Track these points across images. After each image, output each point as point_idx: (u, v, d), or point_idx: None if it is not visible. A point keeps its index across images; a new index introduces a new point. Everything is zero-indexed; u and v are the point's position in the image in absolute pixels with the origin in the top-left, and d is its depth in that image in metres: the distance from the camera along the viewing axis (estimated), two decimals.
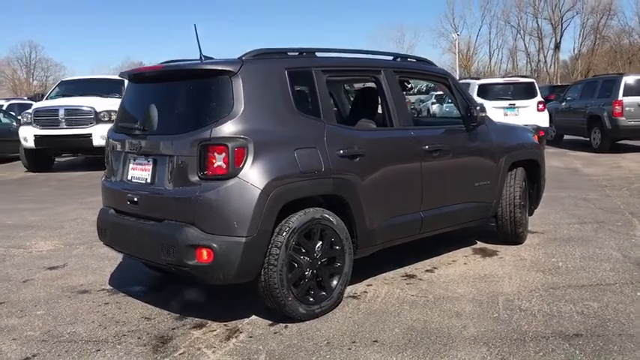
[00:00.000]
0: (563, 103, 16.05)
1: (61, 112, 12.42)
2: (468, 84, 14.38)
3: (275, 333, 3.75)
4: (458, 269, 5.00)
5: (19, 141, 12.84)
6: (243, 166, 3.59)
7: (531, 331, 3.65)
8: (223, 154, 3.58)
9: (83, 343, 3.66)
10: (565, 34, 65.22)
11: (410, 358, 3.34)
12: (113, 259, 5.43)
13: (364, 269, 4.82)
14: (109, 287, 4.77)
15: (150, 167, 3.93)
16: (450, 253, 5.48)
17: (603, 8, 59.40)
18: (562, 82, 47.08)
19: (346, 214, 4.12)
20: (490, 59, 68.91)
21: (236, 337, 3.72)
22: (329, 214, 3.98)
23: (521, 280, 4.64)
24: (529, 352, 3.36)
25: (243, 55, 3.93)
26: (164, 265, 3.90)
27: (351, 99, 6.15)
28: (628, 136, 13.94)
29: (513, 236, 5.59)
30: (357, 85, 6.43)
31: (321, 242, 3.95)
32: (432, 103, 23.78)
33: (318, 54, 4.29)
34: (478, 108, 5.00)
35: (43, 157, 13.21)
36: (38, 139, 12.41)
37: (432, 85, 21.37)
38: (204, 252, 3.58)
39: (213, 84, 3.76)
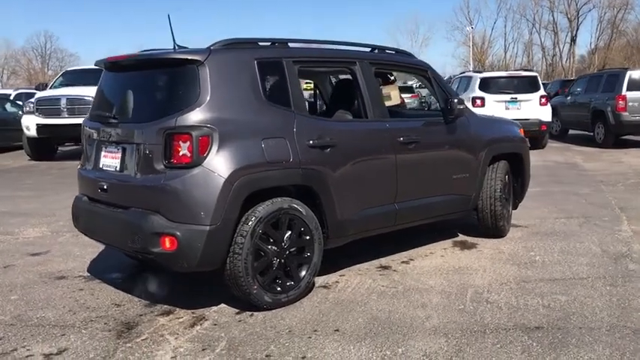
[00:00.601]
0: (569, 98, 15.91)
1: (63, 102, 12.54)
2: (470, 77, 14.29)
3: (239, 321, 3.79)
4: (434, 261, 5.00)
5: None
6: (207, 155, 3.62)
7: (493, 323, 3.65)
8: (188, 143, 3.60)
9: (50, 328, 3.72)
10: (581, 27, 64.75)
11: (368, 348, 3.35)
12: (96, 246, 5.47)
13: (340, 259, 4.85)
14: (86, 274, 4.83)
15: (119, 155, 3.98)
16: (430, 245, 5.49)
17: (620, 2, 58.79)
18: (577, 76, 46.68)
19: (317, 205, 4.14)
20: (505, 53, 68.46)
21: (201, 324, 3.75)
22: (298, 204, 4.00)
23: (495, 273, 4.64)
24: (486, 344, 3.37)
25: (212, 45, 3.95)
26: (132, 253, 3.94)
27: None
28: (631, 131, 13.80)
29: (494, 229, 5.57)
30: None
31: (289, 232, 3.97)
32: None
33: (291, 44, 4.30)
34: (456, 100, 4.98)
35: (46, 146, 13.38)
36: (40, 127, 12.56)
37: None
38: (168, 240, 3.62)
39: (181, 73, 3.79)
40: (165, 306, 4.07)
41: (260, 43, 4.18)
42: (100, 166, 4.17)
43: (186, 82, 3.76)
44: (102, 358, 3.29)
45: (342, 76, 5.73)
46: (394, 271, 4.76)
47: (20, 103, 17.43)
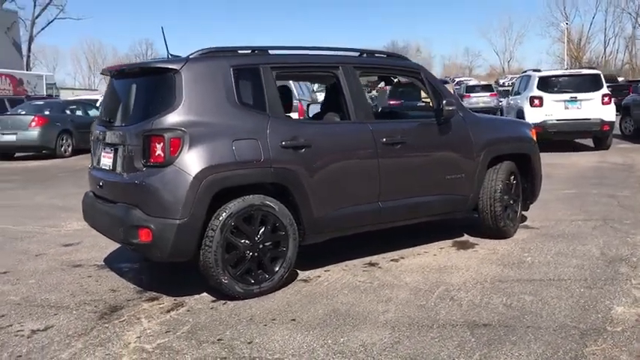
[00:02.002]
0: None
1: None
2: (529, 76, 13.91)
3: (211, 308, 4.11)
4: (423, 260, 5.11)
5: None
6: (178, 155, 3.97)
7: (444, 319, 3.76)
8: (162, 144, 3.97)
9: (48, 308, 4.20)
10: None
11: (313, 337, 3.57)
12: None
13: (330, 255, 5.10)
14: (101, 263, 5.33)
15: (112, 155, 4.41)
16: (430, 244, 5.57)
17: None
18: None
19: (292, 202, 4.39)
20: (605, 49, 65.14)
21: (177, 310, 4.11)
22: (271, 200, 4.27)
23: (475, 273, 4.69)
24: (426, 338, 3.49)
25: (192, 54, 4.30)
26: (121, 243, 4.36)
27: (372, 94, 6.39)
28: None
29: (495, 230, 5.58)
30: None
31: (263, 227, 4.25)
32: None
33: (271, 52, 4.58)
34: (445, 102, 5.06)
35: None
36: None
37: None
38: (145, 232, 4.00)
39: (162, 80, 4.17)
40: (155, 293, 4.46)
41: (240, 51, 4.49)
42: (100, 165, 4.63)
43: (165, 88, 4.13)
44: (78, 335, 3.71)
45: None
46: (379, 268, 4.92)
47: None
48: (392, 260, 5.12)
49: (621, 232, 5.81)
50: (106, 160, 4.51)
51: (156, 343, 3.56)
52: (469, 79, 46.49)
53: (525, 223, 6.28)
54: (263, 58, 4.48)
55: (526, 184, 5.97)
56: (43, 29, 56.93)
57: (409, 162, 4.98)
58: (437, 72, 79.12)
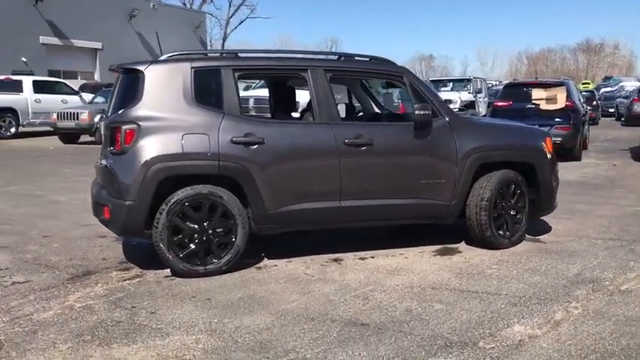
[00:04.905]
0: None
1: (251, 102, 14.50)
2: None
3: (157, 282, 4.66)
4: (389, 261, 5.17)
5: None
6: (132, 144, 4.57)
7: (333, 315, 3.92)
8: (120, 134, 4.60)
9: (42, 267, 5.07)
10: None
11: (207, 314, 3.96)
12: None
13: (306, 247, 5.42)
14: (121, 237, 6.14)
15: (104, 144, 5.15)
16: (415, 247, 5.56)
17: None
18: None
19: (243, 194, 4.77)
20: None
21: (132, 280, 4.73)
22: (220, 190, 4.70)
23: (421, 278, 4.68)
24: (296, 328, 3.71)
25: (163, 57, 4.88)
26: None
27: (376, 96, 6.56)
28: None
29: (481, 239, 5.42)
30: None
31: (211, 215, 4.69)
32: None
33: (241, 54, 4.99)
34: (418, 106, 5.05)
35: None
36: None
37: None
38: (106, 209, 4.69)
39: (131, 80, 4.81)
40: (132, 265, 5.13)
41: (210, 54, 4.96)
42: (101, 154, 5.40)
43: (133, 86, 4.75)
44: (39, 290, 4.49)
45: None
46: (339, 264, 5.10)
47: None
48: (360, 259, 5.25)
49: (636, 255, 5.28)
50: (103, 150, 5.26)
51: (85, 303, 4.20)
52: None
53: (539, 236, 5.94)
54: (227, 61, 4.91)
55: (535, 196, 5.67)
56: (235, 28, 62.58)
57: (376, 164, 5.07)
58: None
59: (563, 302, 4.13)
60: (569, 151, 12.07)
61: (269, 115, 6.29)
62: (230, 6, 58.93)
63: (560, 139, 11.75)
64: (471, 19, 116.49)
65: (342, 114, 6.47)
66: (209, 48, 49.66)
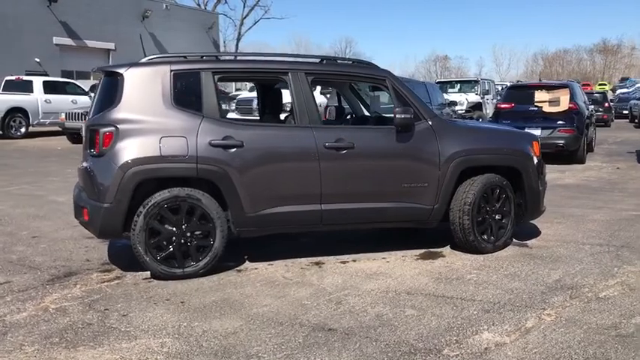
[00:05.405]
0: None
1: (254, 103, 14.55)
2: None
3: (135, 284, 4.68)
4: (370, 265, 5.15)
5: None
6: (109, 147, 4.59)
7: (304, 319, 3.91)
8: (98, 137, 4.62)
9: (25, 267, 5.12)
10: None
11: (178, 317, 3.97)
12: None
13: (290, 251, 5.44)
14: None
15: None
16: (398, 251, 5.54)
17: None
18: None
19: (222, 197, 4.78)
20: None
21: (110, 282, 4.76)
22: (198, 193, 4.71)
23: (398, 283, 4.66)
24: (263, 332, 3.71)
25: (144, 59, 4.89)
26: None
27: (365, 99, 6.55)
28: None
29: (465, 243, 5.38)
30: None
31: (189, 217, 4.71)
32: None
33: (222, 57, 4.99)
34: (398, 110, 5.03)
35: None
36: None
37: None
38: (85, 211, 4.72)
39: (112, 82, 4.83)
40: (114, 266, 5.16)
41: (189, 57, 4.97)
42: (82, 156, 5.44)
43: (112, 89, 4.78)
44: (18, 291, 4.53)
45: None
46: (320, 267, 5.09)
47: None
48: (341, 262, 5.24)
49: (620, 261, 5.21)
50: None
51: (60, 305, 4.23)
52: None
53: (527, 240, 5.88)
54: (207, 64, 4.92)
55: (521, 200, 5.61)
56: (249, 28, 62.98)
57: (357, 167, 5.05)
58: None
59: (537, 309, 4.08)
60: (572, 154, 11.93)
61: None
62: (244, 6, 59.37)
63: (562, 141, 11.65)
64: (487, 20, 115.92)
65: (333, 116, 6.49)
66: (223, 48, 49.95)
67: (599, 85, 61.86)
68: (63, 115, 17.63)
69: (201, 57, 5.03)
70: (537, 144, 5.73)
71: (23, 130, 19.24)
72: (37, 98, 19.48)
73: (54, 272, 4.99)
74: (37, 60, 27.23)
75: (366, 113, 6.50)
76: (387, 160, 5.15)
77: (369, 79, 5.53)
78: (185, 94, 4.81)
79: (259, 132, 4.99)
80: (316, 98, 5.52)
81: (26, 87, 19.68)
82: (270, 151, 4.87)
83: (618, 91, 44.88)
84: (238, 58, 5.21)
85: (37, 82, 19.89)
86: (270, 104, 6.09)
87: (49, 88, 20.01)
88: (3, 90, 19.98)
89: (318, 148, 4.94)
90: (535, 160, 5.62)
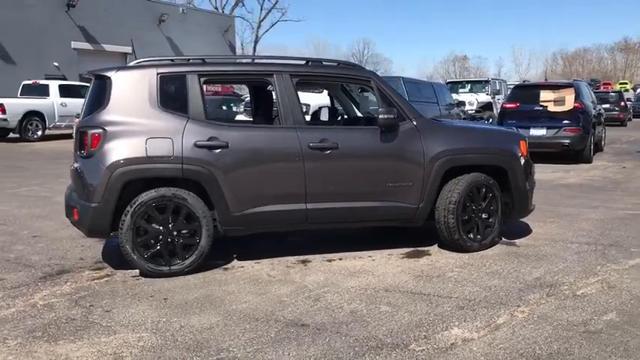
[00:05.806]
0: None
1: None
2: None
3: (123, 282, 4.82)
4: (354, 263, 5.23)
5: None
6: (98, 148, 4.74)
7: (280, 316, 4.01)
8: (87, 139, 4.77)
9: (20, 266, 5.28)
10: None
11: (159, 313, 4.09)
12: None
13: (277, 250, 5.55)
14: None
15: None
16: (385, 250, 5.61)
17: None
18: None
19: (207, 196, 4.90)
20: None
21: (100, 280, 4.90)
22: (184, 193, 4.83)
23: (379, 280, 4.73)
24: (237, 328, 3.81)
25: (132, 63, 5.04)
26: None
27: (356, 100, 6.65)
28: None
29: (450, 242, 5.43)
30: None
31: (176, 217, 4.83)
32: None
33: (208, 60, 5.12)
34: (381, 110, 5.10)
35: None
36: None
37: None
38: (75, 211, 4.87)
39: (101, 85, 4.98)
40: (106, 264, 5.31)
41: (176, 61, 5.10)
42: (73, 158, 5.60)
43: (101, 92, 4.93)
44: (10, 288, 4.69)
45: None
46: (305, 265, 5.18)
47: None
48: (327, 260, 5.32)
49: (605, 259, 5.22)
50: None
51: (49, 301, 4.38)
52: None
53: (516, 239, 5.92)
54: (192, 67, 5.04)
55: (508, 199, 5.65)
56: (267, 31, 63.49)
57: (341, 167, 5.14)
58: None
59: (511, 306, 4.13)
60: (578, 153, 11.87)
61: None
62: (261, 9, 59.83)
63: (568, 141, 11.60)
64: (506, 20, 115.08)
65: (325, 117, 6.58)
66: (240, 51, 50.26)
67: (620, 84, 61.10)
68: (77, 119, 17.94)
69: (188, 60, 5.15)
70: (525, 144, 5.76)
71: (40, 133, 19.61)
72: (53, 102, 19.87)
73: (47, 270, 5.15)
74: (56, 64, 27.72)
75: (358, 114, 6.58)
76: (371, 160, 5.23)
77: (354, 80, 5.61)
78: (171, 96, 4.94)
79: (244, 133, 5.10)
80: (321, 101, 5.60)
81: (43, 91, 20.08)
82: (255, 151, 4.98)
83: (639, 90, 44.30)
84: (224, 60, 5.32)
85: (53, 85, 20.29)
86: (262, 106, 6.21)
87: (65, 91, 20.39)
88: (21, 94, 20.41)
89: (302, 149, 5.04)
90: (522, 160, 5.66)
